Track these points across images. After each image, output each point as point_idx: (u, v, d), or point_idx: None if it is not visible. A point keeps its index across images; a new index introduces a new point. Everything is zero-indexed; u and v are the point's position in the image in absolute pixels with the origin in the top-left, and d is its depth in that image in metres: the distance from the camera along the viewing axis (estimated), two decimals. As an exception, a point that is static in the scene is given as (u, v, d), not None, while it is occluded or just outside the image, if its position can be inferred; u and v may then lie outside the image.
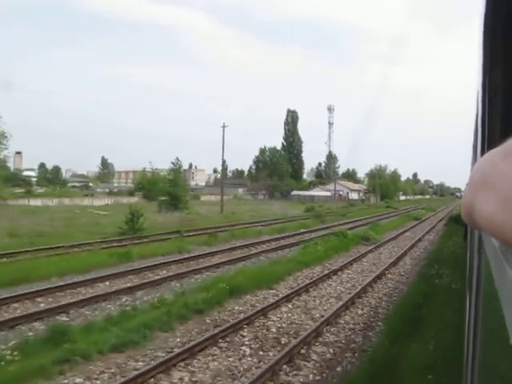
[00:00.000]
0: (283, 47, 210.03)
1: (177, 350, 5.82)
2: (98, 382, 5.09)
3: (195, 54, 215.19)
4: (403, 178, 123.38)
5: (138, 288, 9.05)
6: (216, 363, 5.67)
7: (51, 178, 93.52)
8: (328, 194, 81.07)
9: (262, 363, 5.67)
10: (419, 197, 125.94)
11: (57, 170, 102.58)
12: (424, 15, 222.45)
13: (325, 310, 8.12)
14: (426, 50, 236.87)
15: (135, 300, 8.32)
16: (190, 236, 17.78)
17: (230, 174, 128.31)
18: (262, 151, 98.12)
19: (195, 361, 5.69)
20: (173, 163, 34.35)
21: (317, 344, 6.48)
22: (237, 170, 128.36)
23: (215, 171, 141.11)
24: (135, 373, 5.13)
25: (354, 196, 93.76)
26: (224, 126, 36.87)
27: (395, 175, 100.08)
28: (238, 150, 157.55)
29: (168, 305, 7.66)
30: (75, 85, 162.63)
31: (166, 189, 32.66)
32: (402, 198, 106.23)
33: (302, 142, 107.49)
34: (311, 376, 5.39)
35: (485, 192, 0.36)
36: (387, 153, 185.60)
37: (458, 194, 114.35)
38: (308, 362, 5.86)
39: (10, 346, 5.66)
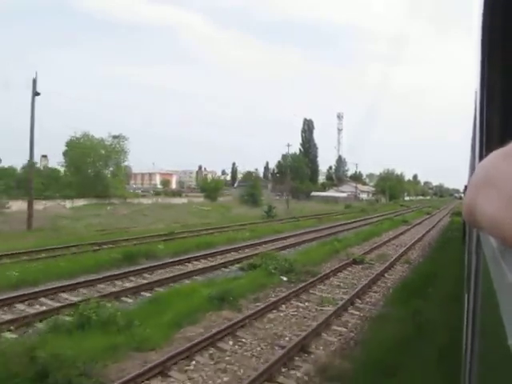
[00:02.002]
0: (283, 47, 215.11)
1: (376, 244, 18.41)
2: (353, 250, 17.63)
3: (195, 54, 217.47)
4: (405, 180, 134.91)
5: (330, 235, 21.76)
6: (387, 249, 18.33)
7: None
8: (344, 195, 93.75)
9: (402, 250, 18.22)
10: (421, 197, 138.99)
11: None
12: (424, 15, 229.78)
13: (410, 241, 20.69)
14: (425, 50, 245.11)
15: (336, 236, 21.03)
16: (302, 220, 30.42)
17: (240, 176, 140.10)
18: (284, 157, 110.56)
19: (382, 248, 18.40)
20: (253, 172, 47.02)
21: (415, 246, 19.15)
22: (248, 172, 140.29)
23: (223, 173, 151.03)
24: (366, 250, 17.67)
25: (364, 197, 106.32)
26: (289, 146, 49.49)
27: (401, 178, 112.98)
28: (238, 149, 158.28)
29: (350, 238, 20.24)
30: (75, 85, 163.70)
31: (248, 190, 45.52)
32: (407, 198, 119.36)
33: (317, 149, 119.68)
34: (418, 250, 18.12)
35: (487, 191, 0.37)
36: (387, 153, 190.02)
37: (456, 194, 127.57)
38: (416, 249, 18.54)
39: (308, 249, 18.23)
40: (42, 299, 8.74)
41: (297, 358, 6.24)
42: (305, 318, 8.29)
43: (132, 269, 11.48)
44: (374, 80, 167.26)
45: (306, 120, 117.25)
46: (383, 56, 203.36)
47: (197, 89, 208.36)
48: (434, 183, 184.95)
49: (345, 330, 7.70)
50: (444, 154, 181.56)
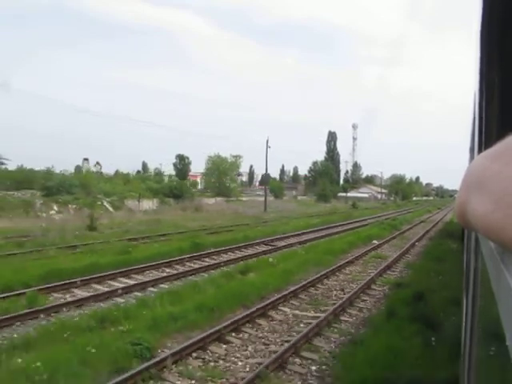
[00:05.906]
0: (283, 50, 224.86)
1: (424, 218, 41.63)
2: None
3: (195, 55, 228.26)
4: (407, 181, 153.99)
5: (399, 215, 45.07)
6: (431, 219, 41.55)
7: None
8: (366, 195, 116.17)
9: (438, 219, 41.22)
10: (425, 198, 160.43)
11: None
12: (423, 17, 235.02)
13: (438, 218, 43.54)
14: (425, 52, 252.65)
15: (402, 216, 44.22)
16: (371, 210, 53.49)
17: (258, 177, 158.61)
18: (315, 163, 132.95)
19: (428, 219, 41.69)
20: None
21: (442, 219, 42.36)
22: (266, 174, 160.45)
23: (239, 174, 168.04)
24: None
25: (379, 197, 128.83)
26: (367, 174, 72.32)
27: (412, 182, 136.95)
28: (240, 150, 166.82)
29: (411, 216, 43.36)
30: (75, 86, 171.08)
31: (321, 192, 68.79)
32: (414, 199, 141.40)
33: (339, 156, 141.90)
34: (441, 225, 41.52)
35: (477, 193, 0.37)
36: (387, 153, 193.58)
37: (455, 195, 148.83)
38: (443, 219, 41.75)
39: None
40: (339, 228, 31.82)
41: (425, 235, 29.36)
42: (420, 231, 31.26)
43: (351, 221, 34.58)
44: (373, 82, 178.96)
45: (330, 132, 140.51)
46: (383, 58, 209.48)
47: (197, 89, 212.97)
48: (435, 184, 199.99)
49: (433, 231, 30.96)
50: (443, 155, 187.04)
